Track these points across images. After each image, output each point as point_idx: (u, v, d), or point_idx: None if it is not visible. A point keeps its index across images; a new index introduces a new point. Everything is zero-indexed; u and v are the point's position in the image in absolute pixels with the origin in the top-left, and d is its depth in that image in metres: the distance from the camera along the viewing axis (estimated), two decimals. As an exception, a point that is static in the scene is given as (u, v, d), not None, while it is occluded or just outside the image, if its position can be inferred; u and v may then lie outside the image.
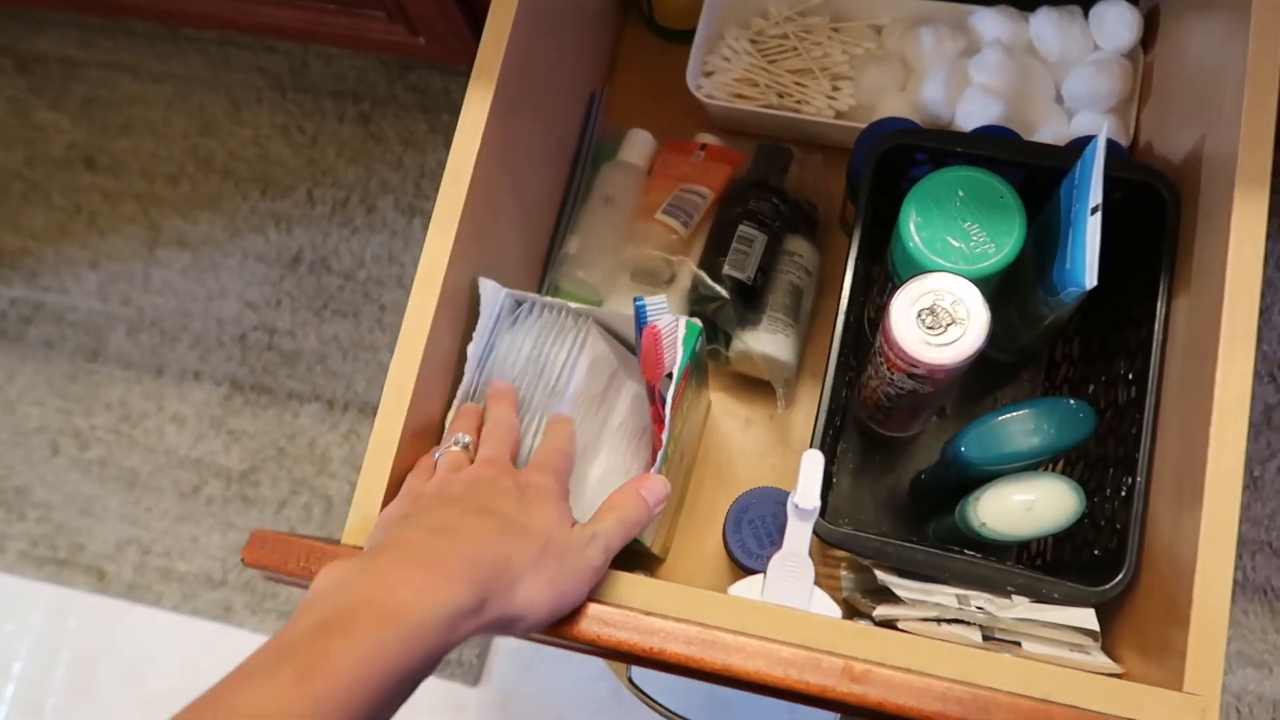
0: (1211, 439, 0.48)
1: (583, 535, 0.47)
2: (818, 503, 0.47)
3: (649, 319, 0.56)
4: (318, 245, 1.09)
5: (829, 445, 0.67)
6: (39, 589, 1.03)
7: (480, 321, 0.57)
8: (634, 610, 0.47)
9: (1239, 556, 0.90)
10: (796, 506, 0.47)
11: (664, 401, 0.55)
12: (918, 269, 0.57)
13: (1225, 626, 0.47)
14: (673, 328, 0.55)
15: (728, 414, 0.76)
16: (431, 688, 0.39)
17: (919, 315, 0.54)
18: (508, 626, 0.42)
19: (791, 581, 0.48)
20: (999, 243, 0.56)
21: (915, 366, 0.54)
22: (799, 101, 0.75)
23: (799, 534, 0.48)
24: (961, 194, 0.57)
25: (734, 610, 0.48)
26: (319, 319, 1.06)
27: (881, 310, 0.57)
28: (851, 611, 0.66)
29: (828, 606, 0.48)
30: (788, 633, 0.47)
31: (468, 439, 0.52)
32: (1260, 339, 0.93)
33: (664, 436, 0.55)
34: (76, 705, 0.99)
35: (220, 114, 1.14)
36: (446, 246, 0.55)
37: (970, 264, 0.56)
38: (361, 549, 0.51)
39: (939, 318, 0.53)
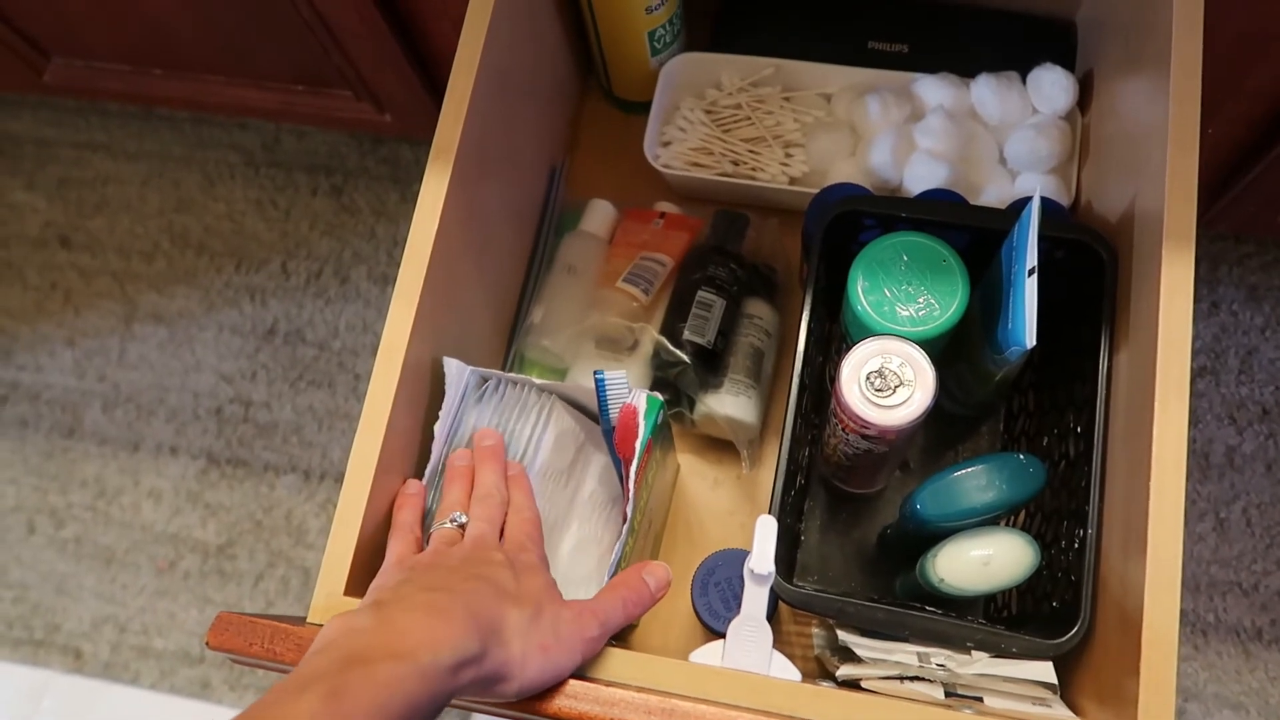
0: (1152, 488, 0.50)
1: (579, 606, 0.49)
2: (772, 568, 0.48)
3: (609, 392, 0.58)
4: (292, 316, 1.10)
5: (795, 503, 0.69)
6: (14, 670, 1.02)
7: (446, 400, 0.59)
8: (595, 681, 0.48)
9: (1210, 599, 0.91)
10: (752, 571, 0.48)
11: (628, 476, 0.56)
12: (867, 332, 0.59)
13: (1174, 675, 0.48)
14: (638, 401, 0.57)
15: (696, 475, 0.77)
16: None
17: (867, 378, 0.55)
18: (499, 683, 0.44)
19: (750, 646, 0.49)
20: (943, 305, 0.58)
21: (867, 428, 0.56)
22: (753, 169, 0.77)
23: (756, 598, 0.49)
24: (906, 258, 0.59)
25: (694, 677, 0.48)
26: (294, 390, 1.07)
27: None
28: (821, 670, 0.67)
29: (787, 670, 0.48)
30: (747, 698, 0.47)
31: (463, 519, 0.54)
32: (1218, 382, 0.95)
33: (629, 510, 0.56)
34: (52, 789, 0.97)
35: (195, 190, 1.16)
36: (407, 322, 0.56)
37: (916, 326, 0.58)
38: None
39: (887, 380, 0.55)
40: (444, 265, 0.60)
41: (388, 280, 1.10)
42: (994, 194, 0.72)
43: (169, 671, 1.00)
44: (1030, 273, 0.54)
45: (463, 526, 0.54)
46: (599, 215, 0.78)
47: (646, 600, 0.52)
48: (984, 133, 0.73)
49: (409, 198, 1.12)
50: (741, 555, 0.65)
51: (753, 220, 0.77)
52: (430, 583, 0.45)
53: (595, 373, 0.58)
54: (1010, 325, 0.55)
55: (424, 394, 0.60)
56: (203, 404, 1.08)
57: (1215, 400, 0.94)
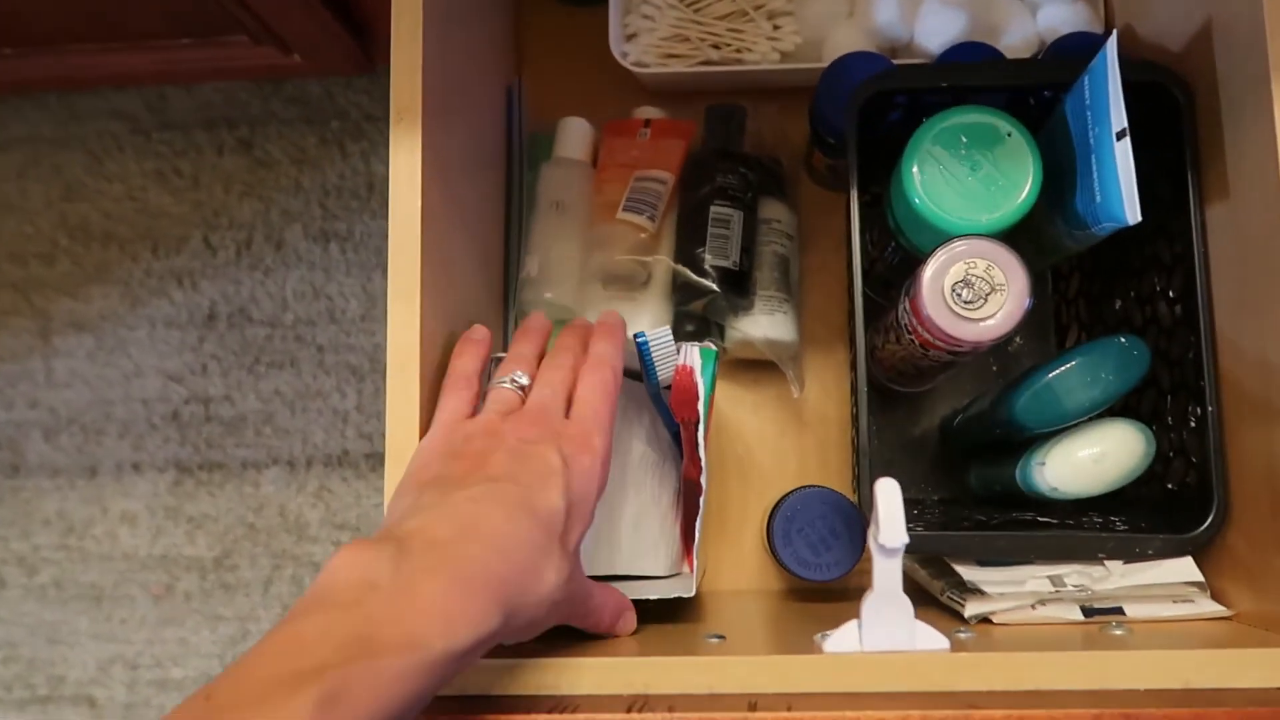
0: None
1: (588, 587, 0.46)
2: (905, 539, 0.42)
3: (655, 353, 0.50)
4: (230, 296, 0.98)
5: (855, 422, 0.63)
6: (27, 731, 0.94)
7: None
8: (729, 696, 0.42)
9: None
10: (883, 546, 0.42)
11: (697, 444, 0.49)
12: (927, 229, 0.52)
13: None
14: (692, 359, 0.49)
15: (734, 401, 0.70)
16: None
17: (953, 290, 0.48)
18: (512, 640, 0.42)
19: (890, 622, 0.43)
20: (1015, 187, 0.50)
21: (958, 345, 0.49)
22: (738, 50, 0.67)
23: (889, 572, 0.43)
24: (964, 139, 0.51)
25: (837, 670, 0.43)
26: (254, 376, 0.97)
27: (905, 287, 0.52)
28: (910, 585, 0.63)
29: (933, 639, 0.43)
30: (901, 681, 0.43)
31: (525, 380, 0.47)
32: None
33: (703, 481, 0.50)
34: (103, 842, 0.92)
35: (81, 172, 1.02)
36: (414, 327, 0.47)
37: (989, 214, 0.50)
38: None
39: (975, 289, 0.48)
40: (435, 245, 0.50)
41: (329, 236, 0.98)
42: (1017, 35, 0.63)
43: (196, 699, 0.93)
44: (1119, 135, 0.47)
45: (524, 388, 0.47)
46: (574, 135, 0.68)
47: (606, 628, 0.48)
48: (994, -35, 0.64)
49: (329, 139, 0.99)
50: (816, 496, 0.59)
51: (749, 110, 0.67)
52: (469, 513, 0.39)
53: (636, 335, 0.50)
54: (1101, 198, 0.48)
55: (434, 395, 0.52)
56: (155, 411, 0.98)
57: None
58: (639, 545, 0.56)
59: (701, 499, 0.51)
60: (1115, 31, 0.48)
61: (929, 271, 0.48)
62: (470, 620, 0.36)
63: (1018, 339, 0.68)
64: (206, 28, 0.70)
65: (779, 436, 0.70)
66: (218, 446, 0.97)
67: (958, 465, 0.67)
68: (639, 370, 0.53)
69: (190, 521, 0.96)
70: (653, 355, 0.51)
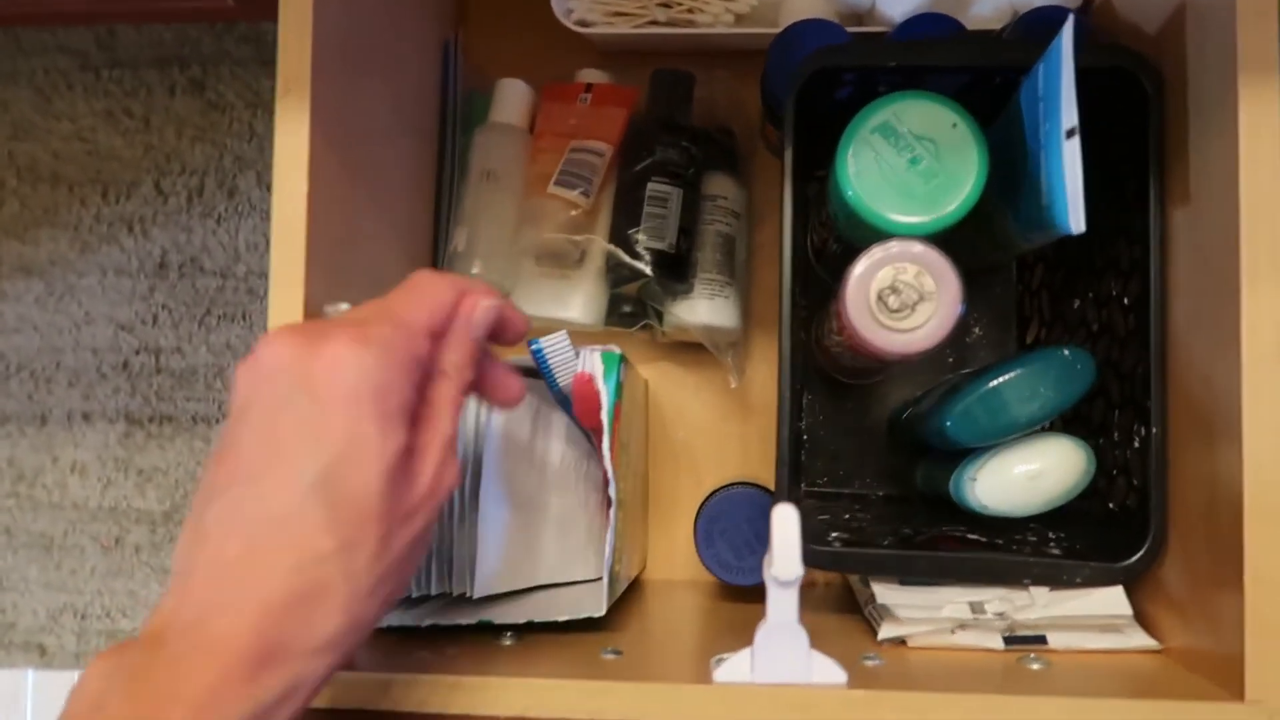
0: (1245, 376, 0.40)
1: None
2: (800, 570, 0.39)
3: (552, 360, 0.47)
4: (182, 244, 0.95)
5: (793, 403, 0.59)
6: (-20, 675, 0.95)
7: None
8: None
9: None
10: (776, 579, 0.39)
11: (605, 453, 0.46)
12: (860, 225, 0.48)
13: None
14: (592, 365, 0.46)
15: (673, 384, 0.67)
16: None
17: (879, 298, 0.44)
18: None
19: (785, 653, 0.41)
20: (955, 184, 0.46)
21: (883, 355, 0.46)
22: (690, 11, 0.62)
23: (783, 603, 0.40)
24: (906, 129, 0.47)
25: (726, 701, 0.41)
26: (205, 328, 0.94)
27: (835, 288, 0.48)
28: (844, 586, 0.60)
29: (830, 672, 0.41)
30: (792, 715, 0.40)
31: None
32: None
33: (612, 493, 0.47)
34: (53, 787, 0.93)
35: (29, 109, 0.98)
36: (296, 317, 0.44)
37: (925, 214, 0.46)
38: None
39: (903, 297, 0.44)
40: (331, 227, 0.47)
41: (282, 185, 0.94)
42: (988, 5, 0.58)
43: (144, 651, 0.93)
44: (1069, 134, 0.43)
45: None
46: (511, 99, 0.63)
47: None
48: (968, -75, 0.59)
49: (285, 81, 0.95)
50: (742, 496, 0.57)
51: (698, 77, 0.63)
52: (230, 526, 0.33)
53: (530, 343, 0.47)
54: (1047, 200, 0.44)
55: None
56: (105, 360, 0.96)
57: None
58: (566, 551, 0.53)
59: (612, 511, 0.48)
60: (1072, 15, 0.43)
61: (854, 276, 0.45)
62: (229, 705, 0.30)
63: (977, 330, 0.64)
64: (131, -33, 0.66)
65: (721, 422, 0.67)
66: (168, 399, 0.95)
67: (906, 461, 0.64)
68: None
69: (140, 474, 0.94)
70: (550, 363, 0.48)
